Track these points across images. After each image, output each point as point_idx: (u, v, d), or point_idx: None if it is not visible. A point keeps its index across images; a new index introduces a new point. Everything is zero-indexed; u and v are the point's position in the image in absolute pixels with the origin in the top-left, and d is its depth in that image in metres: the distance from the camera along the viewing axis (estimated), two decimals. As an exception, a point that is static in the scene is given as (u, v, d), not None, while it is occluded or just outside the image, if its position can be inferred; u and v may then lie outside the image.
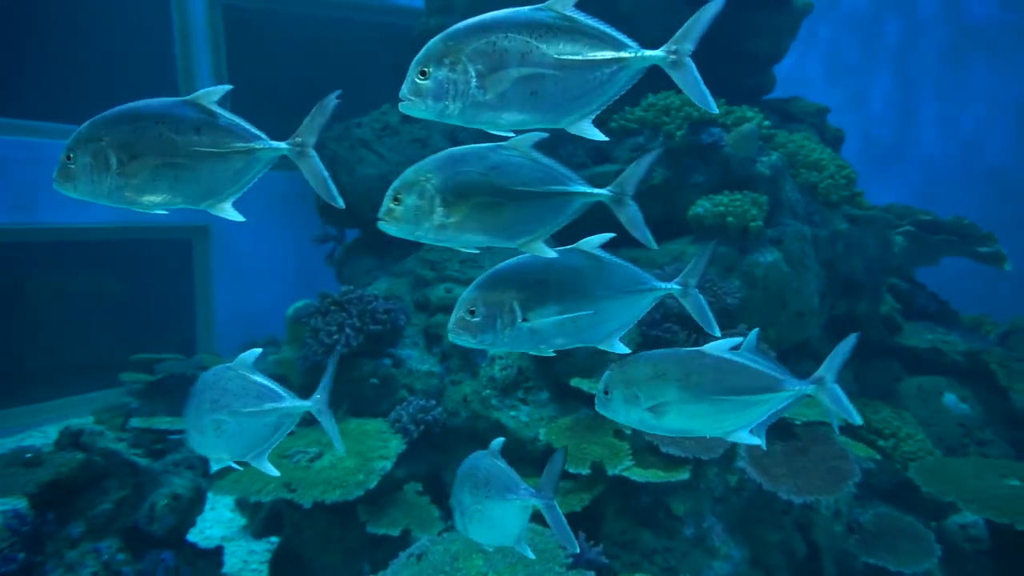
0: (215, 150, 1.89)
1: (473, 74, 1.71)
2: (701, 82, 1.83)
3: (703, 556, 3.88)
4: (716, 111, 1.85)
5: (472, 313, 1.88)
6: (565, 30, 1.75)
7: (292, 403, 2.20)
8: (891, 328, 6.60)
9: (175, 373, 7.28)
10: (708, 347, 1.96)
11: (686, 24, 1.83)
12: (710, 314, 2.02)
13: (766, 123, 6.04)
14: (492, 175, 1.87)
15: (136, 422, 4.26)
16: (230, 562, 4.75)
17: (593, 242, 2.00)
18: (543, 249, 1.96)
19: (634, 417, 1.98)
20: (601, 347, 2.00)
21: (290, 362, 5.75)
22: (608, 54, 1.78)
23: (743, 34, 7.04)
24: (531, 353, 2.01)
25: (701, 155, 5.70)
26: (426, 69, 1.73)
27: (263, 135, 1.97)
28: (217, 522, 5.61)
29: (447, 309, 5.18)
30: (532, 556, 2.39)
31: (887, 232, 6.66)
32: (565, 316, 1.90)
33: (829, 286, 5.99)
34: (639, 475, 3.83)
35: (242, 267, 9.63)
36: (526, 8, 1.75)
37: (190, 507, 3.90)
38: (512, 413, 4.41)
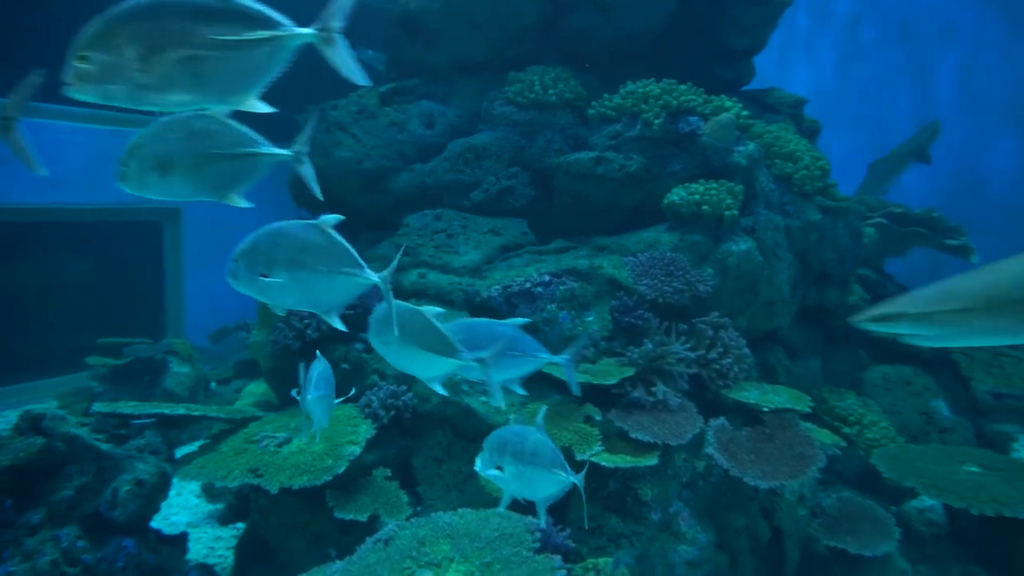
0: None
1: (133, 57, 1.77)
2: (352, 59, 1.96)
3: (669, 540, 3.92)
4: (367, 83, 1.99)
5: (235, 262, 2.21)
6: (222, 12, 1.83)
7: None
8: (860, 318, 6.69)
9: (142, 357, 7.16)
10: (425, 309, 2.47)
11: (334, 3, 1.93)
12: (394, 312, 2.35)
13: (744, 113, 6.06)
14: (193, 141, 2.16)
15: (99, 406, 4.18)
16: (195, 548, 4.70)
17: (329, 220, 2.26)
18: (240, 201, 2.34)
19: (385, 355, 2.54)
20: (324, 317, 2.29)
21: (260, 345, 5.69)
22: (264, 33, 1.88)
23: (722, 26, 7.04)
24: (271, 308, 2.34)
25: (679, 144, 5.70)
26: (85, 53, 1.77)
27: None
28: (183, 508, 5.55)
29: (421, 295, 5.15)
30: (543, 524, 2.99)
31: (858, 223, 6.74)
32: (288, 279, 2.18)
33: (801, 276, 6.05)
34: (608, 460, 3.84)
35: (214, 250, 9.48)
36: None
37: (154, 493, 3.84)
38: (483, 399, 4.40)
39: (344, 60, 1.97)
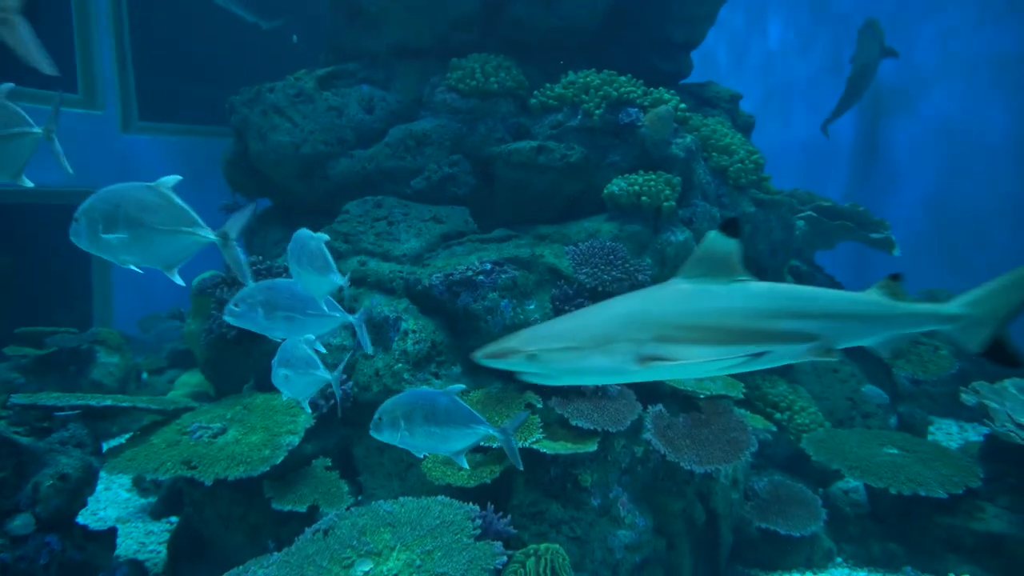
0: None
1: None
2: (31, 42, 2.19)
3: (608, 525, 4.00)
4: (50, 72, 2.16)
5: (76, 221, 2.32)
6: None
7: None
8: (791, 307, 6.94)
9: (67, 347, 6.84)
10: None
11: None
12: (246, 267, 2.54)
13: (682, 106, 6.18)
14: None
15: (18, 398, 3.96)
16: (125, 544, 4.55)
17: (168, 182, 2.36)
18: (27, 181, 2.67)
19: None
20: (166, 274, 2.45)
21: (195, 335, 5.51)
22: None
23: (662, 20, 7.15)
24: (116, 263, 2.48)
25: (618, 134, 5.77)
26: None
27: None
28: (112, 503, 5.34)
29: (361, 282, 5.08)
30: (467, 467, 3.15)
31: (790, 216, 6.98)
32: (129, 237, 2.32)
33: (735, 266, 6.22)
34: (548, 447, 3.88)
35: (144, 236, 9.10)
36: None
37: (79, 487, 3.68)
38: (424, 387, 4.38)
39: (26, 43, 2.10)
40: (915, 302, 2.19)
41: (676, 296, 2.03)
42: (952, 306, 2.14)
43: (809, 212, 8.02)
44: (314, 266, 2.77)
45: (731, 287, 2.01)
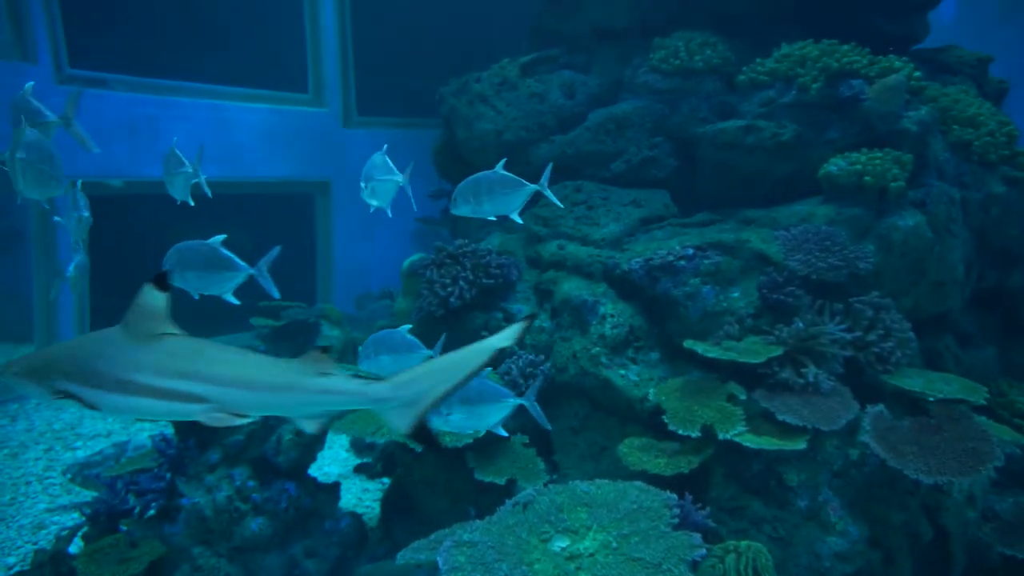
0: None
1: None
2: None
3: (816, 530, 3.71)
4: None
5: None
6: None
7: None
8: (1048, 304, 5.95)
9: (297, 319, 7.72)
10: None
11: None
12: (274, 289, 3.59)
13: (916, 74, 5.50)
14: None
15: (264, 361, 4.55)
16: (345, 498, 5.04)
17: (217, 240, 3.36)
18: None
19: None
20: (223, 297, 3.47)
21: (405, 313, 5.95)
22: None
23: (891, -24, 6.41)
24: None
25: (838, 109, 5.29)
26: None
27: None
28: (334, 460, 5.96)
29: (559, 265, 5.16)
30: (506, 435, 3.56)
31: (1051, 197, 5.96)
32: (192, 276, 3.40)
33: (978, 255, 5.45)
34: (752, 441, 3.68)
35: (360, 221, 9.99)
36: None
37: (312, 443, 4.15)
38: (621, 372, 4.35)
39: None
40: (339, 378, 2.09)
41: (95, 341, 2.16)
42: (379, 388, 2.08)
43: (1077, 192, 6.77)
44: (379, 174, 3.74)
45: (143, 342, 2.07)
